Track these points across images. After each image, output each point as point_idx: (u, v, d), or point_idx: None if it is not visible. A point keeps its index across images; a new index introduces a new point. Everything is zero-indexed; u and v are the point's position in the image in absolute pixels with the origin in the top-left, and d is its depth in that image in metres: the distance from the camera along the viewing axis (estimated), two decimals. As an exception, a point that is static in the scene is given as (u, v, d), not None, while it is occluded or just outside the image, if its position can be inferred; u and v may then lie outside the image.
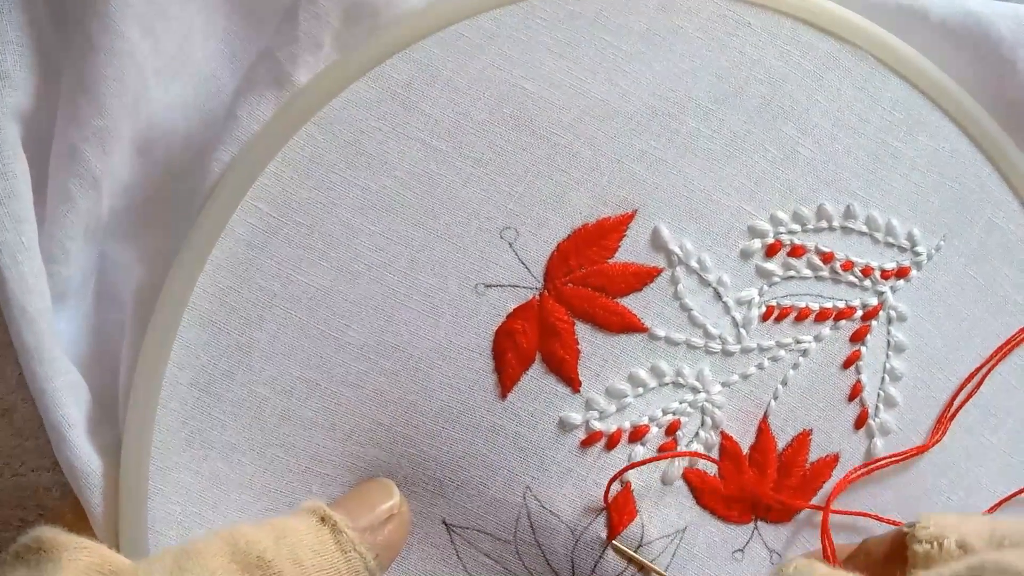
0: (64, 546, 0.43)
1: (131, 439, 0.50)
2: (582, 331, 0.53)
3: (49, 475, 0.57)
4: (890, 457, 0.56)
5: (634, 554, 0.53)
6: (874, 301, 0.56)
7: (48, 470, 0.57)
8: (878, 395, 0.57)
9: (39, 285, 0.48)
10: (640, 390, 0.54)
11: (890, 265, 0.56)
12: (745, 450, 0.55)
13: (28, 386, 0.49)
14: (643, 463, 0.53)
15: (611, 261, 0.53)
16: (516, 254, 0.53)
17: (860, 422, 0.56)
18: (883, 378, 0.57)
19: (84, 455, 0.49)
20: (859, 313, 0.56)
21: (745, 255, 0.55)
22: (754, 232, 0.55)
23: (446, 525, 0.53)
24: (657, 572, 0.54)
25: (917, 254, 0.57)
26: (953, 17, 0.57)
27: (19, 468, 0.57)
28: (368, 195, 0.51)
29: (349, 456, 0.52)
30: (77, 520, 0.50)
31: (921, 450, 0.57)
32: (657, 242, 0.54)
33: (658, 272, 0.54)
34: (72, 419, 0.49)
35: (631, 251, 0.54)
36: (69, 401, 0.49)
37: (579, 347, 0.53)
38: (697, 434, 0.55)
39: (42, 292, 0.48)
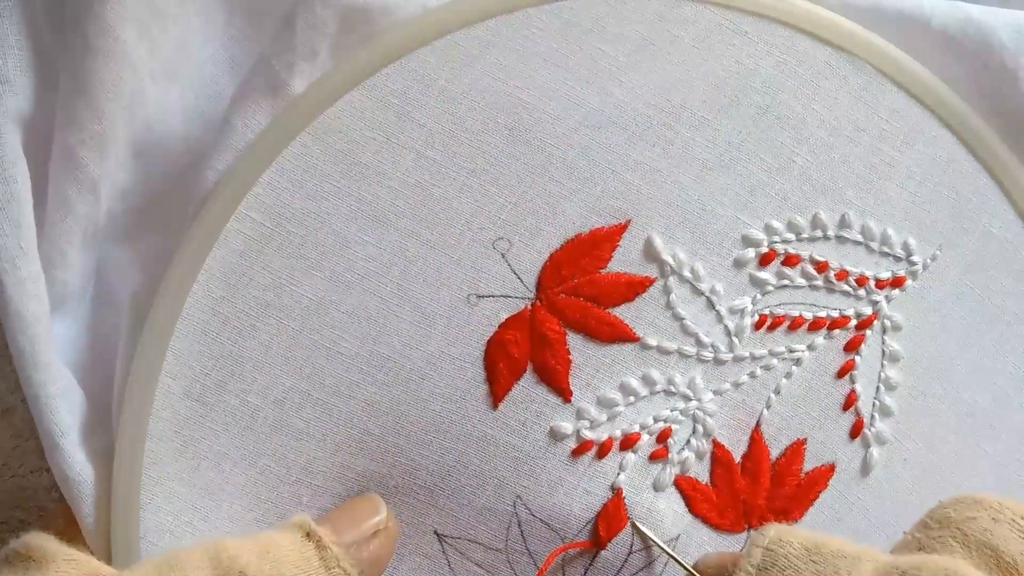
0: (53, 556, 0.45)
1: (124, 449, 0.51)
2: (574, 341, 0.55)
3: (49, 476, 0.57)
4: None
5: (650, 535, 0.56)
6: (868, 311, 0.58)
7: (48, 471, 0.57)
8: (873, 404, 0.59)
9: (37, 289, 0.50)
10: (631, 399, 0.56)
11: (885, 275, 0.58)
12: (738, 459, 0.58)
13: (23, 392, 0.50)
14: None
15: (604, 271, 0.55)
16: (509, 264, 0.55)
17: (855, 431, 0.59)
18: (878, 387, 0.59)
19: (76, 464, 0.51)
20: (853, 322, 0.58)
21: (739, 264, 0.57)
22: (748, 241, 0.57)
23: (437, 535, 0.55)
24: (676, 560, 0.56)
25: (913, 263, 0.59)
26: (954, 25, 0.58)
27: (18, 469, 0.58)
28: (362, 205, 0.53)
29: (340, 466, 0.54)
30: (69, 527, 0.51)
31: None
32: (650, 252, 0.56)
33: (650, 282, 0.56)
34: (65, 426, 0.50)
35: (624, 261, 0.56)
36: (63, 408, 0.50)
37: (571, 357, 0.55)
38: (688, 441, 0.57)
39: (40, 297, 0.50)
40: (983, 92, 0.59)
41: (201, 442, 0.53)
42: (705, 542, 0.57)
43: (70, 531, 0.51)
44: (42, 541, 0.46)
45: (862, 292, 0.58)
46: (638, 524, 0.56)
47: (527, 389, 0.55)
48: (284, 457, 0.54)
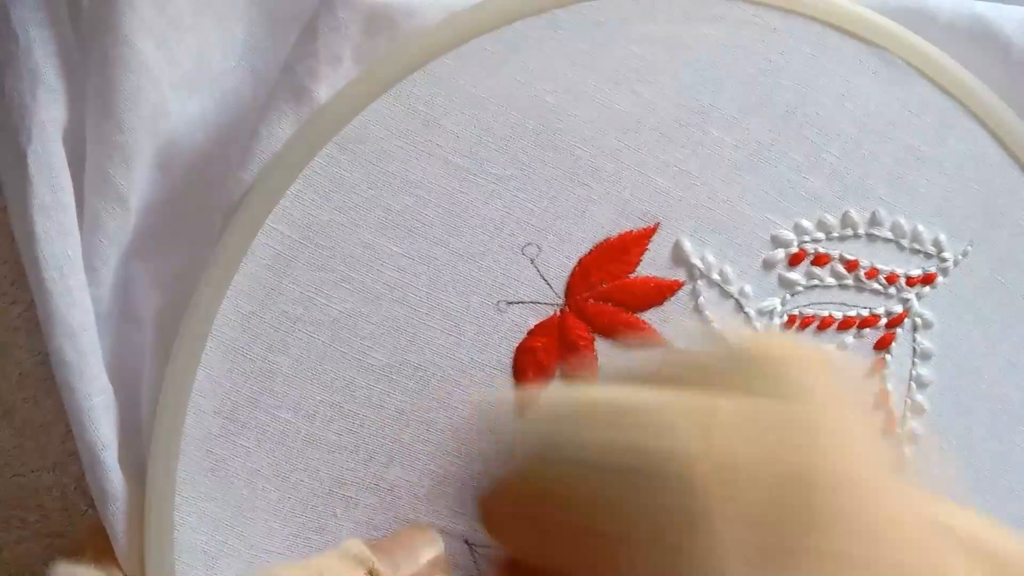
0: None
1: (156, 469, 0.52)
2: (602, 346, 0.56)
3: (49, 476, 0.59)
4: None
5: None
6: (899, 308, 0.59)
7: (48, 471, 0.59)
8: (905, 403, 0.60)
9: (83, 299, 0.51)
10: (657, 404, 0.57)
11: (916, 272, 0.59)
12: None
13: (52, 399, 0.52)
14: None
15: (632, 275, 0.56)
16: (538, 270, 0.55)
17: (887, 430, 0.60)
18: (910, 385, 0.60)
19: (115, 479, 0.52)
20: (883, 321, 0.59)
21: (768, 265, 0.58)
22: (777, 242, 0.58)
23: (468, 544, 0.57)
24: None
25: (943, 260, 0.59)
26: (960, 21, 0.59)
27: (19, 468, 0.58)
28: (390, 215, 0.54)
29: (372, 477, 0.55)
30: (99, 554, 0.52)
31: None
32: (679, 255, 0.56)
33: (679, 286, 0.57)
34: (107, 440, 0.51)
35: (652, 264, 0.56)
36: (105, 421, 0.51)
37: (599, 363, 0.56)
38: None
39: (86, 306, 0.51)
40: (991, 88, 0.60)
41: (233, 460, 0.54)
42: None
43: (102, 558, 0.52)
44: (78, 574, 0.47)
45: (892, 290, 0.59)
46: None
47: None
48: (316, 471, 0.55)
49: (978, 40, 0.59)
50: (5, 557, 0.60)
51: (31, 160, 0.50)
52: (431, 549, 0.54)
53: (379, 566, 0.49)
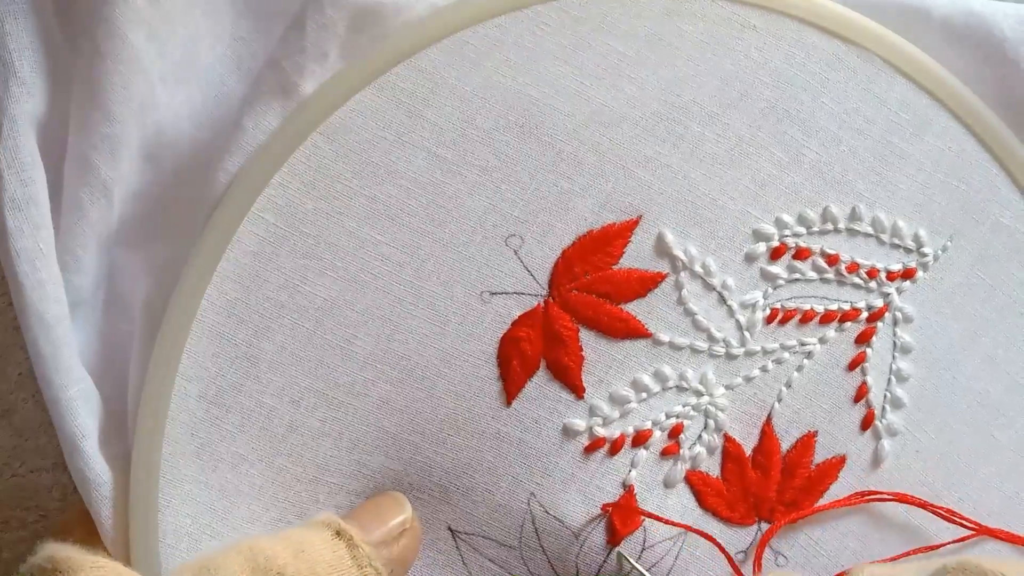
0: (80, 566, 0.46)
1: (141, 453, 0.53)
2: (586, 338, 0.57)
3: (49, 475, 0.59)
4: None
5: (635, 564, 0.57)
6: (880, 303, 0.60)
7: (48, 470, 0.59)
8: (884, 396, 0.60)
9: (57, 292, 0.51)
10: (643, 395, 0.57)
11: (896, 266, 0.60)
12: (748, 452, 0.59)
13: (42, 394, 0.51)
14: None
15: (615, 267, 0.57)
16: (521, 261, 0.56)
17: (866, 423, 0.60)
18: (889, 379, 0.60)
19: (96, 467, 0.52)
20: (864, 315, 0.59)
21: (750, 258, 0.58)
22: (759, 235, 0.58)
23: (451, 531, 0.57)
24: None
25: (923, 255, 0.60)
26: (955, 17, 0.60)
27: (19, 468, 0.59)
28: (374, 205, 0.55)
29: (355, 464, 0.56)
30: (87, 535, 0.52)
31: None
32: (661, 247, 0.57)
33: (662, 277, 0.57)
34: (86, 429, 0.51)
35: (635, 257, 0.57)
36: (83, 411, 0.51)
37: (583, 354, 0.57)
38: (700, 437, 0.58)
39: (59, 299, 0.51)
40: (985, 84, 0.60)
41: (218, 444, 0.54)
42: (716, 536, 0.58)
43: (88, 540, 0.52)
44: (66, 552, 0.47)
45: (873, 284, 0.59)
46: (623, 553, 0.58)
47: (540, 386, 0.57)
48: (300, 456, 0.55)
49: (974, 36, 0.60)
50: (5, 557, 0.60)
51: (1, 154, 0.50)
52: (399, 512, 0.55)
53: (345, 526, 0.50)
